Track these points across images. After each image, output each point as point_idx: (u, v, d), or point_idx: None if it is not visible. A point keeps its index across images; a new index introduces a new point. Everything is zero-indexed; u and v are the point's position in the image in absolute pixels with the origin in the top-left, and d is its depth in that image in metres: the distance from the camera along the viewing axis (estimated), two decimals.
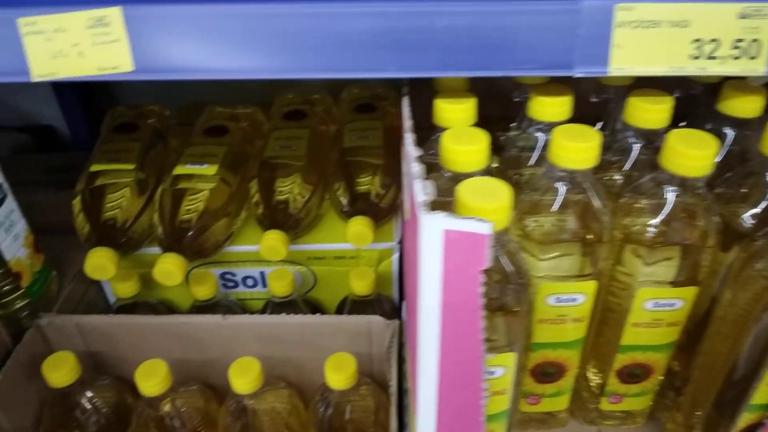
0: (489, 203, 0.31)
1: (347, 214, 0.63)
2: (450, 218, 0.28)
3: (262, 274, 0.68)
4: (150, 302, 0.66)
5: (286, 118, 0.72)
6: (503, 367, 0.38)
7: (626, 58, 0.36)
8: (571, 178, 0.39)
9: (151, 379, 0.51)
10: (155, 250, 0.64)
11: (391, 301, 0.69)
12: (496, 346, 0.37)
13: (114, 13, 0.35)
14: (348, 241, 0.60)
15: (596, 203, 0.40)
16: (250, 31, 0.36)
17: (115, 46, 0.36)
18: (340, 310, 0.68)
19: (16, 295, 0.56)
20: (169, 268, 0.55)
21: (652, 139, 0.44)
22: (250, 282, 0.69)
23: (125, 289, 0.62)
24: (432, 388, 0.35)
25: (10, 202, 0.55)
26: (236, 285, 0.69)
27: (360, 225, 0.59)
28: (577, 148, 0.36)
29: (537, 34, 0.35)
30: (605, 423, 0.53)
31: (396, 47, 0.35)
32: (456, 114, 0.41)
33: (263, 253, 0.59)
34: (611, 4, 0.35)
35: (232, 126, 0.70)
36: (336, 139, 0.70)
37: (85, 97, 0.93)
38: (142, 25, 0.35)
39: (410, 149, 0.34)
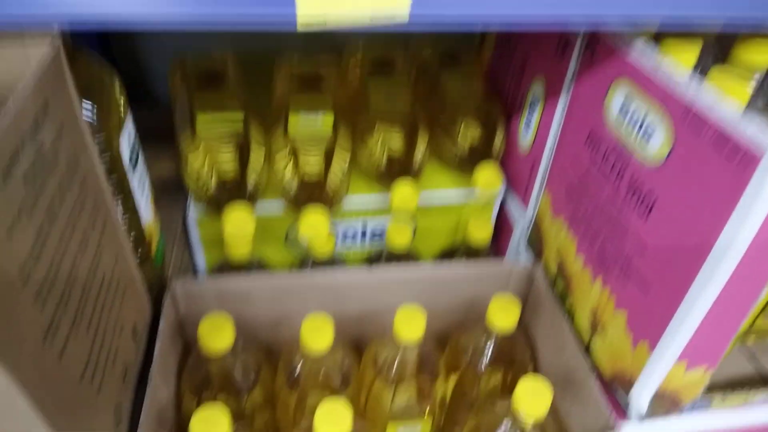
0: None
1: (466, 162, 0.63)
2: None
3: (364, 226, 0.66)
4: (251, 262, 0.63)
5: (375, 67, 0.69)
6: None
7: None
8: None
9: (319, 334, 0.49)
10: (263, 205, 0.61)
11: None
12: None
13: None
14: (477, 185, 0.60)
15: None
16: None
17: None
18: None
19: (146, 263, 0.51)
20: (318, 219, 0.53)
21: None
22: (350, 234, 0.67)
23: (241, 249, 0.58)
24: (705, 304, 0.37)
25: (141, 158, 0.50)
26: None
27: (490, 169, 0.60)
28: None
29: None
30: None
31: None
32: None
33: (396, 204, 0.58)
34: None
35: (325, 74, 0.66)
36: (431, 88, 0.69)
37: (104, 51, 0.84)
38: None
39: (711, 99, 0.35)
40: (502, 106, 0.67)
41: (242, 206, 0.52)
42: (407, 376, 0.54)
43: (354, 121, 0.65)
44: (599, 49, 0.46)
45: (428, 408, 0.54)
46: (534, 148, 0.61)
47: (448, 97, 0.66)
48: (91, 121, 0.42)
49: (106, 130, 0.43)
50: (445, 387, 0.57)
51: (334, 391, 0.53)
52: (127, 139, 0.46)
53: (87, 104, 0.42)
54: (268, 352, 0.57)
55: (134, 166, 0.47)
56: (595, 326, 0.49)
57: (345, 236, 0.67)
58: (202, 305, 0.54)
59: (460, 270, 0.57)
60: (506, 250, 0.69)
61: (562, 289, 0.55)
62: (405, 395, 0.54)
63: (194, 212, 0.60)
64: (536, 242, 0.61)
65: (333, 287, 0.55)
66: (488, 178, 0.59)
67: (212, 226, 0.60)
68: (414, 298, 0.57)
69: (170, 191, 0.65)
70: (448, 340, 0.59)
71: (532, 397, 0.44)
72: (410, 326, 0.51)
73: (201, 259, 0.65)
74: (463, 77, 0.68)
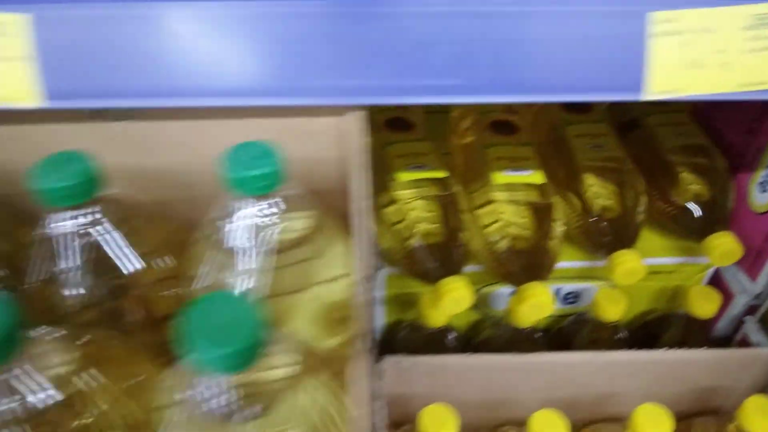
0: None
1: (694, 226, 0.54)
2: None
3: (557, 290, 0.60)
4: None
5: (570, 109, 0.62)
6: None
7: None
8: None
9: None
10: None
11: None
12: None
13: None
14: (709, 257, 0.52)
15: None
16: None
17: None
18: (653, 330, 0.61)
19: None
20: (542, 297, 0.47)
21: None
22: None
23: (445, 319, 0.53)
24: None
25: None
26: None
27: (727, 241, 0.51)
28: None
29: None
30: None
31: None
32: None
33: (618, 278, 0.51)
34: None
35: (516, 121, 0.60)
36: (640, 134, 0.62)
37: None
38: None
39: None
40: (723, 157, 0.58)
41: (461, 283, 0.47)
42: None
43: (552, 171, 0.58)
44: None
45: None
46: None
47: (658, 141, 0.59)
48: None
49: None
50: None
51: None
52: None
53: None
54: None
55: None
56: None
57: None
58: (411, 383, 0.49)
59: (699, 356, 0.49)
60: (715, 321, 0.60)
61: None
62: None
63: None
64: None
65: (555, 371, 0.49)
66: (725, 251, 0.51)
67: (402, 285, 0.56)
68: (639, 384, 0.51)
69: None
70: None
71: None
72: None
73: (380, 316, 0.61)
74: (672, 119, 0.60)
